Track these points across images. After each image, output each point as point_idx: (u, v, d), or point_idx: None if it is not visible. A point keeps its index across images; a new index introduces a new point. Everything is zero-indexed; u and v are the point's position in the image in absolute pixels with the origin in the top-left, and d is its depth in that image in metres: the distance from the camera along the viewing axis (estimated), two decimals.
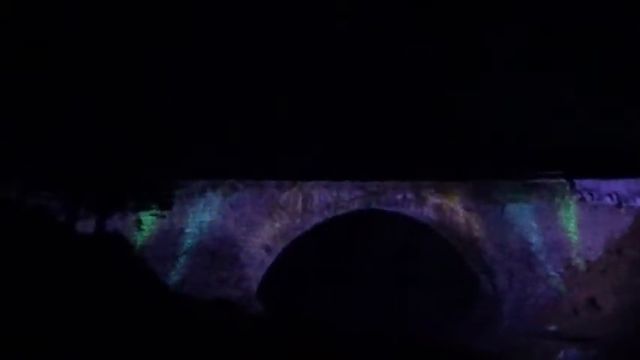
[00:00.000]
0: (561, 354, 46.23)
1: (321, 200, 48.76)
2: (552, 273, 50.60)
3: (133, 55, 37.43)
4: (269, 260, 48.03)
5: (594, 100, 54.34)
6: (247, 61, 51.53)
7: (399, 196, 50.02)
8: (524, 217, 51.38)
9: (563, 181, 52.39)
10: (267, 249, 47.77)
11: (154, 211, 42.68)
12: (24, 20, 32.21)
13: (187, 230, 46.68)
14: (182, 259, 46.10)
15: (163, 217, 44.16)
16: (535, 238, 51.17)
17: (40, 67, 32.99)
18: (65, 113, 34.25)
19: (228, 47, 49.08)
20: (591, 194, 51.90)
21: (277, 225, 48.07)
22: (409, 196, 50.14)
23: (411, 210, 50.41)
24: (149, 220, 44.70)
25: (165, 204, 42.98)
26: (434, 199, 50.58)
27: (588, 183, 52.17)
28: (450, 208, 50.83)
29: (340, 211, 49.13)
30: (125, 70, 36.94)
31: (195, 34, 45.00)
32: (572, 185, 52.25)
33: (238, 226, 47.50)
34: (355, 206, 49.44)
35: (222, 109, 49.80)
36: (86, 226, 37.48)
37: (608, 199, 51.58)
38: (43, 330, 15.10)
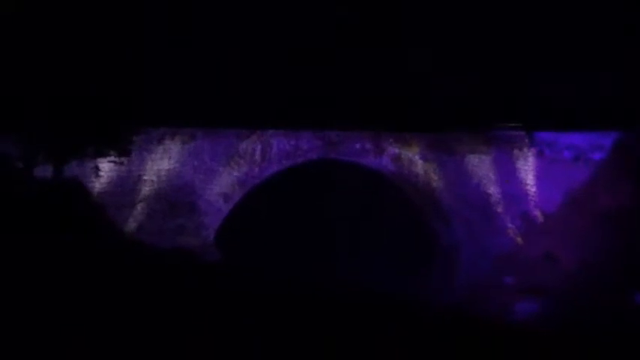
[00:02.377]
0: (517, 305, 46.63)
1: (280, 149, 48.57)
2: (510, 225, 50.78)
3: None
4: (227, 208, 47.94)
5: (555, 53, 53.95)
6: (206, 7, 50.80)
7: (358, 146, 49.89)
8: (483, 168, 51.39)
9: (522, 133, 52.29)
10: (226, 197, 47.68)
11: (112, 158, 42.50)
12: None
13: (145, 177, 46.45)
14: (140, 207, 45.98)
15: (122, 164, 44.01)
16: (493, 190, 51.26)
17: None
18: (27, 59, 33.95)
19: None
20: (550, 147, 51.86)
21: (235, 173, 47.93)
22: (368, 146, 50.00)
23: (369, 160, 50.29)
24: (107, 167, 44.48)
25: (123, 151, 42.79)
26: (392, 150, 50.47)
27: (547, 136, 52.09)
28: (409, 158, 50.78)
29: (299, 160, 48.96)
30: (88, 16, 36.51)
31: None
32: (531, 138, 52.19)
33: (197, 174, 47.32)
34: (314, 155, 49.28)
35: (183, 57, 49.20)
36: (44, 172, 37.44)
37: (566, 153, 51.55)
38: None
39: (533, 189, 51.58)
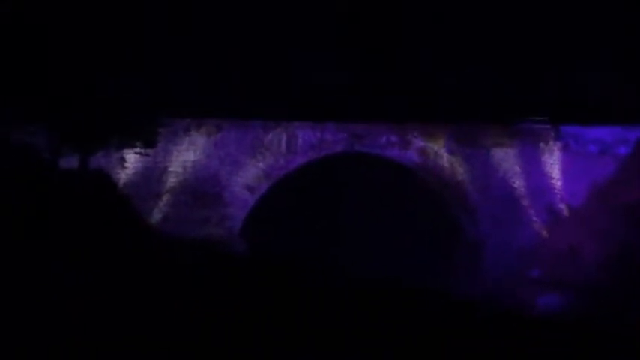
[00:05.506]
0: (541, 299, 46.72)
1: (305, 141, 48.55)
2: (535, 218, 50.78)
3: None
4: (252, 200, 48.04)
5: (580, 48, 53.80)
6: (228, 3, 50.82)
7: (384, 139, 49.84)
8: (508, 161, 51.35)
9: (548, 126, 52.20)
10: (251, 189, 47.75)
11: (137, 149, 42.50)
12: None
13: (171, 169, 46.50)
14: (165, 198, 46.04)
15: (147, 155, 43.98)
16: (518, 183, 51.24)
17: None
18: (53, 50, 34.03)
19: None
20: (575, 141, 51.80)
21: (261, 165, 47.98)
22: (393, 139, 49.96)
23: (395, 153, 50.30)
24: (133, 158, 44.52)
25: (149, 142, 42.74)
26: (418, 143, 50.42)
27: (573, 129, 52.00)
28: (434, 151, 50.74)
29: (324, 153, 48.98)
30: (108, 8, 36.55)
31: None
32: (557, 131, 52.10)
33: (222, 165, 47.39)
34: (339, 148, 49.31)
35: (209, 49, 49.19)
36: (70, 162, 37.49)
37: (591, 147, 51.49)
38: (25, 264, 15.20)
39: (559, 182, 51.57)
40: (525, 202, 50.97)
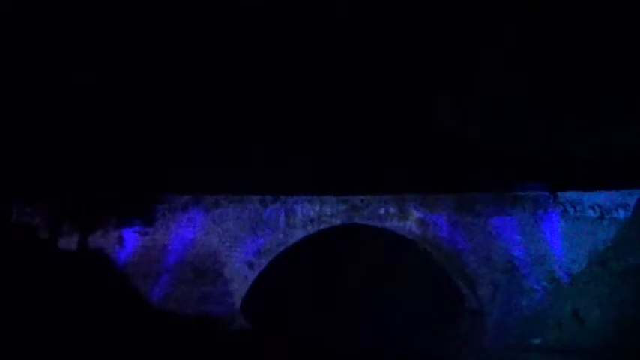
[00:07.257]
0: None
1: (304, 215, 48.76)
2: (536, 286, 50.59)
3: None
4: (252, 276, 47.99)
5: (576, 113, 54.43)
6: (225, 75, 51.67)
7: (382, 211, 50.01)
8: (507, 229, 51.40)
9: (546, 193, 52.44)
10: (250, 264, 47.74)
11: (136, 228, 42.71)
12: None
13: (170, 247, 46.52)
14: (165, 276, 45.97)
15: (146, 233, 44.19)
16: (518, 251, 51.17)
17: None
18: (50, 130, 34.38)
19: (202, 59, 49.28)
20: (574, 207, 51.94)
21: (260, 240, 48.05)
22: (392, 210, 50.11)
23: (394, 224, 50.32)
24: (132, 237, 44.69)
25: (147, 220, 43.02)
26: (417, 213, 50.55)
27: (571, 195, 52.19)
28: (434, 221, 50.81)
29: (323, 226, 49.11)
30: (103, 87, 37.11)
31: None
32: (555, 197, 52.28)
33: (221, 241, 47.52)
34: (338, 221, 49.46)
35: (204, 124, 49.84)
36: (69, 242, 37.63)
37: (590, 212, 51.64)
38: (26, 346, 15.19)
39: (559, 249, 51.50)
40: (526, 270, 50.82)
